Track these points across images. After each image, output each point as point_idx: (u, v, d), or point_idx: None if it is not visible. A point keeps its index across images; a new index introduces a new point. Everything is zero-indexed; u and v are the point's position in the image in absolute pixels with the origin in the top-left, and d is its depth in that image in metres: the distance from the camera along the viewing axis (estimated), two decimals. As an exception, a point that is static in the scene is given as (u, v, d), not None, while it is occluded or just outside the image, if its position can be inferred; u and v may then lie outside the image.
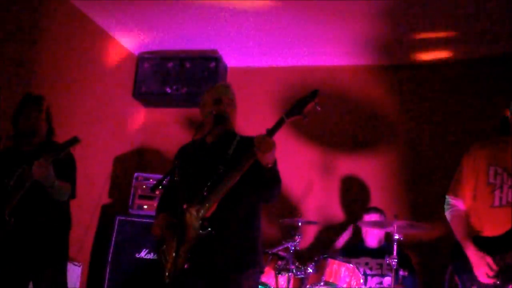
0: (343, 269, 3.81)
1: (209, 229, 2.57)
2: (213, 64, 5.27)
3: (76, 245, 4.33)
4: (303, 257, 4.55)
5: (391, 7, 4.21)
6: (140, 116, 5.66)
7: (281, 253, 4.02)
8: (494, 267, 2.72)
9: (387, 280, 3.95)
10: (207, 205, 2.60)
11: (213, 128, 2.77)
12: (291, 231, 4.05)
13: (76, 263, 4.28)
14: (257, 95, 5.34)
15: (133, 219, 4.73)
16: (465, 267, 2.83)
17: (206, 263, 2.62)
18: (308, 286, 3.82)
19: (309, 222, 4.37)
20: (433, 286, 4.28)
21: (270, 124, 2.61)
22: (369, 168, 5.03)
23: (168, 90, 5.33)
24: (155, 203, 4.72)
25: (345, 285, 3.76)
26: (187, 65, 5.32)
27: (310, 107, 2.55)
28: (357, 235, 4.57)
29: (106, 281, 4.55)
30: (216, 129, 2.80)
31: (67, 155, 3.18)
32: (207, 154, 2.82)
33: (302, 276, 3.87)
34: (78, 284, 4.33)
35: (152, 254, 4.59)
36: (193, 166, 2.78)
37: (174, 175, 2.70)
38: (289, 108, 2.58)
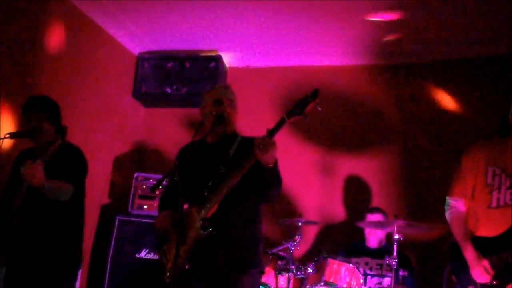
0: (343, 269, 3.82)
1: (210, 229, 2.58)
2: (213, 64, 5.27)
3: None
4: (303, 257, 4.56)
5: (391, 7, 4.21)
6: (140, 116, 5.66)
7: (281, 253, 4.02)
8: (490, 271, 2.74)
9: (387, 280, 3.95)
10: (208, 205, 2.60)
11: (213, 128, 2.77)
12: (291, 231, 4.05)
13: (76, 263, 4.28)
14: (257, 95, 5.34)
15: (133, 219, 4.73)
16: (463, 267, 2.85)
17: (206, 263, 2.62)
18: (308, 286, 3.82)
19: (309, 222, 4.37)
20: (433, 286, 4.28)
21: (270, 124, 2.61)
22: (369, 168, 5.03)
23: (168, 90, 5.33)
24: (155, 203, 4.73)
25: (345, 285, 3.76)
26: (187, 65, 5.32)
27: (311, 107, 2.55)
28: (358, 235, 4.57)
29: (106, 281, 4.55)
30: (217, 129, 2.80)
31: (66, 150, 3.16)
32: (208, 155, 2.82)
33: (302, 276, 3.87)
34: (78, 284, 4.33)
35: (152, 254, 4.59)
36: (194, 166, 2.78)
37: (174, 175, 2.70)
38: (290, 109, 2.58)
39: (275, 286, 3.91)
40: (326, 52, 5.12)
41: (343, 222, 4.97)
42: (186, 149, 2.93)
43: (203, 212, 2.59)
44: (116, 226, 4.68)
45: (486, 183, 2.93)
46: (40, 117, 3.16)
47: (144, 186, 4.84)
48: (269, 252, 3.97)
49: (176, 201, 2.58)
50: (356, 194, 5.03)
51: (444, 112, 4.91)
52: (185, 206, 2.60)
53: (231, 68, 5.51)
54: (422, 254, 4.56)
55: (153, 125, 5.66)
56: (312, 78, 5.28)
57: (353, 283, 3.79)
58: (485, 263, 2.76)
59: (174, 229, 2.65)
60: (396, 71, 5.15)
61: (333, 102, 5.09)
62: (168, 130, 5.54)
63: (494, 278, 2.73)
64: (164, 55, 5.39)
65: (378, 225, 4.18)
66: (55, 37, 4.39)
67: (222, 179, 2.62)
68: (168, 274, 2.65)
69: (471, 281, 2.80)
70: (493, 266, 2.76)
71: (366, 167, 5.04)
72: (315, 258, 3.92)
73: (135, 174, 4.91)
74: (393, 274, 3.70)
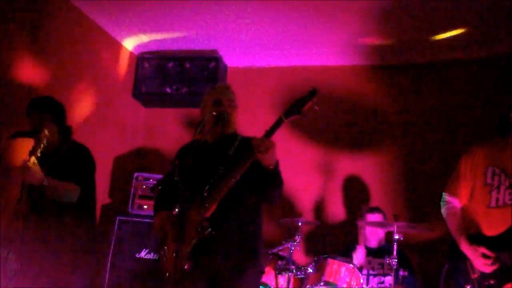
0: (343, 269, 3.82)
1: (210, 229, 2.57)
2: (213, 64, 5.27)
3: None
4: (303, 257, 4.56)
5: (391, 7, 4.20)
6: (140, 116, 5.66)
7: (281, 253, 4.02)
8: (490, 254, 2.76)
9: (389, 279, 3.95)
10: (207, 205, 2.60)
11: (213, 128, 2.77)
12: (291, 231, 4.05)
13: (76, 263, 4.28)
14: (257, 95, 5.34)
15: (133, 219, 4.72)
16: (460, 267, 2.86)
17: (206, 264, 2.62)
18: (308, 286, 3.82)
19: (309, 222, 4.37)
20: (433, 286, 4.28)
21: (270, 124, 2.61)
22: (368, 168, 5.03)
23: (168, 90, 5.33)
24: (155, 203, 4.73)
25: (345, 285, 3.76)
26: (187, 65, 5.32)
27: (308, 106, 2.56)
28: (358, 235, 4.57)
29: (106, 281, 4.55)
30: (216, 129, 2.80)
31: (73, 150, 3.16)
32: (208, 155, 2.82)
33: (302, 276, 3.87)
34: None
35: (152, 254, 4.59)
36: (194, 166, 2.78)
37: (173, 174, 2.70)
38: (288, 108, 2.59)
39: (275, 286, 3.90)
40: (326, 52, 5.12)
41: (343, 222, 4.97)
42: (186, 148, 2.93)
43: (202, 212, 2.59)
44: (116, 226, 4.68)
45: (486, 182, 2.95)
46: (42, 118, 3.16)
47: (144, 186, 4.84)
48: (269, 252, 3.97)
49: (175, 201, 2.58)
50: (356, 194, 5.03)
51: (444, 112, 4.91)
52: (178, 207, 2.57)
53: (231, 68, 5.51)
54: (422, 254, 4.56)
55: (153, 125, 5.66)
56: (312, 78, 5.28)
57: (353, 283, 3.79)
58: (482, 249, 2.79)
59: (174, 229, 2.65)
60: (396, 71, 5.15)
61: (332, 102, 5.09)
62: (168, 130, 5.54)
63: (495, 264, 2.73)
64: (164, 55, 5.39)
65: (379, 225, 4.18)
66: (55, 37, 4.39)
67: (221, 179, 2.62)
68: (167, 274, 2.64)
69: (469, 280, 2.81)
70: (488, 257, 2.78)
71: (366, 167, 5.04)
72: (315, 258, 3.92)
73: (135, 174, 4.91)
74: (393, 274, 3.70)
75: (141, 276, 4.52)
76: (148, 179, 4.87)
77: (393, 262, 3.66)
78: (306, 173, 5.11)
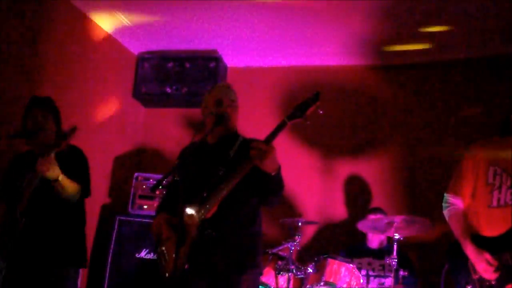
0: (343, 269, 3.82)
1: (210, 230, 2.57)
2: (213, 64, 5.26)
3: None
4: (303, 257, 4.56)
5: (391, 6, 4.20)
6: (140, 116, 5.66)
7: (281, 253, 4.02)
8: (493, 262, 2.74)
9: (389, 281, 3.94)
10: (207, 206, 2.59)
11: (213, 128, 2.77)
12: (291, 231, 4.05)
13: (76, 263, 4.28)
14: (257, 95, 5.34)
15: (133, 219, 4.72)
16: (461, 267, 2.85)
17: (206, 264, 2.62)
18: (308, 286, 3.82)
19: (309, 222, 4.37)
20: (433, 286, 4.28)
21: (270, 124, 2.61)
22: (369, 168, 5.03)
23: (168, 90, 5.33)
24: (155, 203, 4.73)
25: (345, 285, 3.76)
26: (187, 65, 5.32)
27: (312, 110, 2.54)
28: (358, 235, 4.57)
29: (106, 281, 4.55)
30: (217, 129, 2.79)
31: (73, 152, 3.19)
32: (209, 155, 2.82)
33: (302, 276, 3.87)
34: (78, 284, 4.32)
35: (152, 254, 4.58)
36: (194, 166, 2.78)
37: (175, 175, 2.70)
38: (291, 111, 2.56)
39: (275, 286, 3.90)
40: (326, 52, 5.12)
41: (343, 222, 4.97)
42: (187, 149, 2.93)
43: (202, 212, 2.59)
44: (116, 226, 4.67)
45: (487, 182, 2.94)
46: (44, 116, 3.18)
47: (144, 186, 4.84)
48: (269, 252, 3.97)
49: (176, 201, 2.58)
50: (356, 194, 5.02)
51: (444, 112, 4.91)
52: (185, 206, 2.59)
53: (231, 68, 5.51)
54: (422, 255, 4.56)
55: (153, 125, 5.66)
56: (312, 78, 5.29)
57: (353, 283, 3.79)
58: (487, 255, 2.76)
59: (174, 229, 2.65)
60: (396, 71, 5.15)
61: (333, 102, 5.08)
62: (168, 130, 5.54)
63: (497, 271, 2.73)
64: (164, 55, 5.39)
65: (382, 224, 4.16)
66: (55, 37, 4.39)
67: (221, 180, 2.61)
68: (167, 274, 2.64)
69: (470, 280, 2.80)
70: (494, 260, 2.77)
71: (366, 167, 5.04)
72: (315, 258, 3.92)
73: (135, 174, 4.91)
74: (393, 274, 3.70)
75: (141, 276, 4.52)
76: (148, 179, 4.87)
77: (393, 262, 3.66)
78: (306, 173, 5.11)
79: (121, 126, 5.36)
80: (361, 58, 5.13)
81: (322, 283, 3.77)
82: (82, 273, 4.48)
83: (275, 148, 2.50)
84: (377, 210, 4.43)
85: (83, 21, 4.73)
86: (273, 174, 2.54)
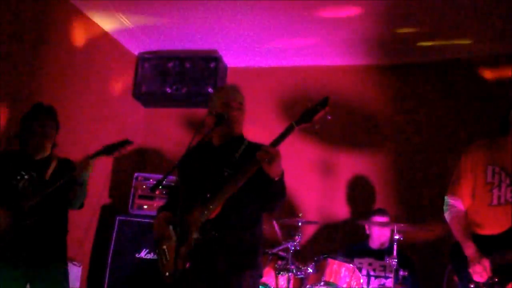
0: (343, 269, 3.82)
1: (212, 231, 2.57)
2: (213, 64, 5.26)
3: (76, 245, 4.33)
4: (303, 257, 4.56)
5: (391, 6, 4.21)
6: (140, 116, 5.66)
7: (281, 253, 4.02)
8: (489, 272, 2.74)
9: (390, 281, 3.94)
10: (211, 206, 2.59)
11: (214, 128, 2.76)
12: (291, 231, 4.05)
13: (76, 263, 4.28)
14: (257, 95, 5.32)
15: (133, 219, 4.73)
16: (464, 267, 2.85)
17: (207, 264, 2.62)
18: (308, 286, 3.82)
19: (309, 222, 4.37)
20: (433, 286, 4.28)
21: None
22: (369, 168, 5.03)
23: (168, 90, 5.33)
24: (155, 203, 4.74)
25: (345, 285, 3.76)
26: (187, 65, 5.32)
27: (320, 115, 2.55)
28: (358, 235, 4.57)
29: (106, 281, 4.55)
30: (218, 130, 2.78)
31: (68, 163, 3.31)
32: (214, 156, 2.81)
33: (302, 276, 3.87)
34: (78, 284, 4.33)
35: (152, 254, 4.59)
36: (199, 167, 2.78)
37: (179, 176, 2.72)
38: (299, 115, 2.56)
39: (275, 286, 3.91)
40: (326, 52, 5.12)
41: (343, 222, 4.97)
42: (192, 149, 2.92)
43: (205, 213, 2.59)
44: (116, 226, 4.68)
45: (486, 181, 2.95)
46: (52, 125, 3.29)
47: (144, 186, 4.85)
48: (269, 252, 3.97)
49: (178, 201, 2.58)
50: (356, 194, 5.02)
51: (444, 112, 4.91)
52: (188, 206, 2.60)
53: (231, 68, 5.51)
54: (422, 255, 4.56)
55: (153, 125, 5.66)
56: (312, 78, 5.29)
57: (353, 283, 3.79)
58: (486, 263, 2.76)
59: (175, 229, 2.65)
60: (396, 71, 5.15)
61: (332, 102, 5.06)
62: (168, 130, 5.54)
63: (493, 277, 2.73)
64: (164, 55, 5.39)
65: (385, 225, 4.17)
66: (55, 37, 4.39)
67: (226, 182, 2.61)
68: (167, 273, 2.64)
69: (473, 280, 2.81)
70: (495, 264, 2.77)
71: (366, 167, 5.04)
72: (315, 258, 3.92)
73: (135, 174, 4.92)
74: (393, 274, 3.70)
75: (141, 276, 4.53)
76: (148, 179, 4.88)
77: (393, 262, 3.66)
78: (306, 173, 5.11)
79: (121, 126, 5.36)
80: (361, 58, 5.13)
81: (322, 283, 3.77)
82: (82, 273, 4.51)
83: (280, 154, 2.50)
84: (382, 211, 4.41)
85: (83, 21, 4.73)
86: (276, 179, 2.54)
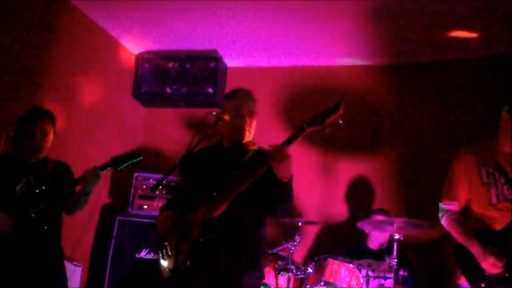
0: (343, 269, 3.82)
1: (216, 229, 2.57)
2: (213, 64, 5.26)
3: (75, 245, 4.33)
4: (303, 257, 4.56)
5: (391, 6, 4.21)
6: (140, 116, 5.66)
7: (281, 253, 4.02)
8: (499, 263, 2.77)
9: (389, 282, 3.94)
10: (215, 205, 2.60)
11: (214, 128, 2.77)
12: (291, 231, 4.05)
13: (76, 263, 4.28)
14: (257, 95, 5.28)
15: (133, 219, 4.73)
16: (472, 266, 2.86)
17: (209, 262, 2.62)
18: (308, 286, 3.82)
19: (309, 222, 4.37)
20: (433, 286, 4.28)
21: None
22: (369, 168, 5.02)
23: (168, 90, 5.33)
24: (155, 203, 4.74)
25: (345, 285, 3.76)
26: (187, 65, 5.32)
27: (332, 119, 2.56)
28: (358, 236, 4.57)
29: (106, 281, 4.55)
30: (227, 135, 2.81)
31: (64, 167, 3.35)
32: (223, 158, 2.82)
33: (302, 276, 3.87)
34: (78, 284, 4.33)
35: (152, 254, 4.59)
36: (207, 167, 2.79)
37: (186, 176, 2.73)
38: (311, 118, 2.58)
39: (275, 286, 3.91)
40: (326, 52, 5.12)
41: (343, 222, 4.96)
42: (201, 151, 2.93)
43: (211, 211, 2.59)
44: (116, 226, 4.68)
45: (482, 182, 3.00)
46: (49, 130, 3.28)
47: (144, 186, 4.84)
48: (269, 252, 3.97)
49: (185, 199, 2.59)
50: (356, 194, 5.02)
51: (444, 112, 4.91)
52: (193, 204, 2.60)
53: (231, 68, 5.51)
54: (422, 254, 4.56)
55: (153, 125, 5.66)
56: (312, 78, 5.29)
57: (353, 283, 3.79)
58: (492, 259, 2.78)
59: (177, 227, 2.65)
60: (396, 71, 5.15)
61: (333, 102, 5.07)
62: (168, 130, 5.54)
63: (505, 267, 2.75)
64: (164, 55, 5.39)
65: (384, 225, 4.17)
66: (55, 37, 4.39)
67: (233, 182, 2.62)
68: (168, 270, 2.65)
69: (483, 277, 2.81)
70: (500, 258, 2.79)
71: (366, 167, 5.04)
72: (315, 258, 3.92)
73: (135, 174, 4.91)
74: (393, 274, 3.70)
75: (141, 276, 4.52)
76: (148, 179, 4.88)
77: (393, 262, 3.66)
78: (306, 173, 5.10)
79: (121, 126, 5.36)
80: (361, 58, 5.13)
81: (322, 283, 3.77)
82: (82, 273, 4.51)
83: (291, 156, 2.51)
84: (381, 211, 4.41)
85: (84, 22, 4.73)
86: (285, 180, 2.53)
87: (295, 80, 5.34)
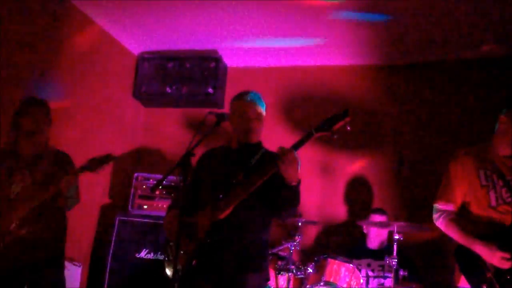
0: (343, 269, 3.82)
1: (221, 232, 2.57)
2: (213, 64, 5.27)
3: (75, 245, 4.33)
4: (303, 257, 4.56)
5: (391, 7, 4.21)
6: (140, 116, 5.66)
7: (281, 253, 4.02)
8: (507, 255, 2.78)
9: (389, 281, 3.95)
10: (222, 207, 2.60)
11: (214, 127, 2.78)
12: (291, 231, 4.05)
13: (76, 263, 4.28)
14: (257, 95, 5.32)
15: (133, 219, 4.73)
16: (472, 267, 2.86)
17: (213, 264, 2.62)
18: (308, 286, 3.82)
19: (309, 222, 4.37)
20: (434, 286, 4.28)
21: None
22: (369, 168, 5.02)
23: (168, 90, 5.33)
24: (155, 203, 4.74)
25: (345, 285, 3.76)
26: (187, 65, 5.32)
27: (340, 125, 2.57)
28: (358, 235, 4.57)
29: (106, 281, 4.55)
30: (235, 137, 2.83)
31: (64, 157, 3.27)
32: (230, 159, 2.83)
33: (302, 276, 3.87)
34: (78, 284, 4.33)
35: (152, 254, 4.59)
36: (214, 168, 2.79)
37: (193, 176, 2.73)
38: (319, 123, 2.60)
39: (275, 286, 3.91)
40: (326, 52, 5.12)
41: (343, 222, 4.96)
42: (209, 152, 2.94)
43: (217, 213, 2.59)
44: (116, 226, 4.68)
45: (481, 184, 3.01)
46: (42, 119, 3.20)
47: (144, 186, 4.85)
48: (269, 252, 3.97)
49: (191, 201, 2.59)
50: (356, 194, 5.02)
51: (444, 112, 4.91)
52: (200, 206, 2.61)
53: (231, 68, 5.51)
54: (422, 254, 4.55)
55: (153, 125, 5.66)
56: (312, 78, 5.29)
57: (353, 283, 3.79)
58: (499, 253, 2.79)
59: (184, 228, 2.65)
60: (396, 71, 5.15)
61: (332, 102, 5.08)
62: (168, 130, 5.54)
63: (505, 274, 2.76)
64: (164, 55, 5.39)
65: (384, 225, 4.17)
66: (55, 38, 4.39)
67: (240, 185, 2.62)
68: (173, 270, 2.65)
69: (484, 279, 2.81)
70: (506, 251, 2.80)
71: (366, 167, 5.04)
72: (315, 258, 3.92)
73: (135, 174, 4.92)
74: (393, 274, 3.70)
75: (141, 276, 4.53)
76: (148, 179, 4.88)
77: (393, 262, 3.67)
78: (306, 173, 5.06)
79: (121, 126, 5.36)
80: (361, 58, 5.12)
81: (322, 283, 3.77)
82: (82, 273, 4.51)
83: (299, 160, 2.53)
84: (380, 210, 4.41)
85: (84, 21, 4.73)
86: (292, 184, 2.54)
87: (295, 80, 5.34)
